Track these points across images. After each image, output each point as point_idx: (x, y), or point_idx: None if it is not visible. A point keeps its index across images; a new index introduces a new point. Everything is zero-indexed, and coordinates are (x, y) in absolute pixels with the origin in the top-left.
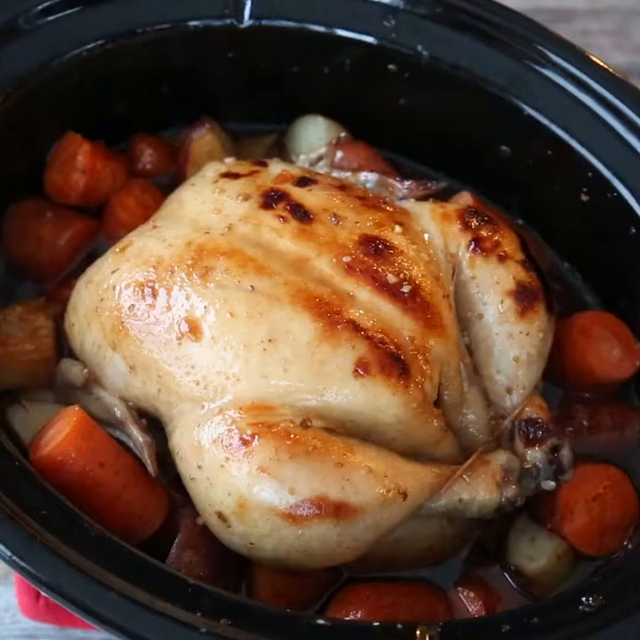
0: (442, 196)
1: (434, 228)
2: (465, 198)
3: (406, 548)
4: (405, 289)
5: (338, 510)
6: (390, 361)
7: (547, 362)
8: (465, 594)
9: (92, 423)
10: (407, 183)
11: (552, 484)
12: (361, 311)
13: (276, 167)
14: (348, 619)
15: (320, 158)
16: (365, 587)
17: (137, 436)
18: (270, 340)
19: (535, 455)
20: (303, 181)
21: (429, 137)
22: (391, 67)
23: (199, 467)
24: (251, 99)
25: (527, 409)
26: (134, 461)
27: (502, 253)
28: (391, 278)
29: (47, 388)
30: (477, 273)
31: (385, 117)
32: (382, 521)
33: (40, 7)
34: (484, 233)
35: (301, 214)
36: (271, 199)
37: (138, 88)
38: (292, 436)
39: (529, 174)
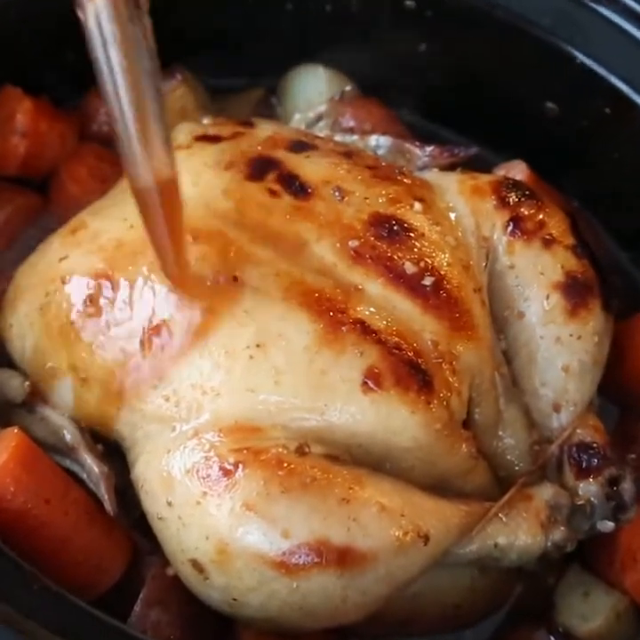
0: (480, 166)
1: (462, 205)
2: (519, 168)
3: (428, 605)
4: (427, 281)
5: (342, 557)
6: (408, 371)
7: (603, 372)
8: None
9: (35, 449)
10: (429, 149)
11: (610, 524)
12: (371, 309)
13: (264, 128)
14: None
15: (320, 118)
16: None
17: (91, 466)
18: (258, 346)
19: (589, 489)
20: (299, 146)
21: (456, 92)
22: (409, 2)
23: (169, 503)
24: (233, 44)
25: (579, 431)
26: (88, 497)
27: (548, 236)
28: (409, 268)
29: None
30: (517, 261)
31: (401, 68)
32: (397, 571)
33: None
34: (524, 211)
35: (297, 187)
36: (259, 168)
37: None
38: (285, 464)
39: (582, 138)
